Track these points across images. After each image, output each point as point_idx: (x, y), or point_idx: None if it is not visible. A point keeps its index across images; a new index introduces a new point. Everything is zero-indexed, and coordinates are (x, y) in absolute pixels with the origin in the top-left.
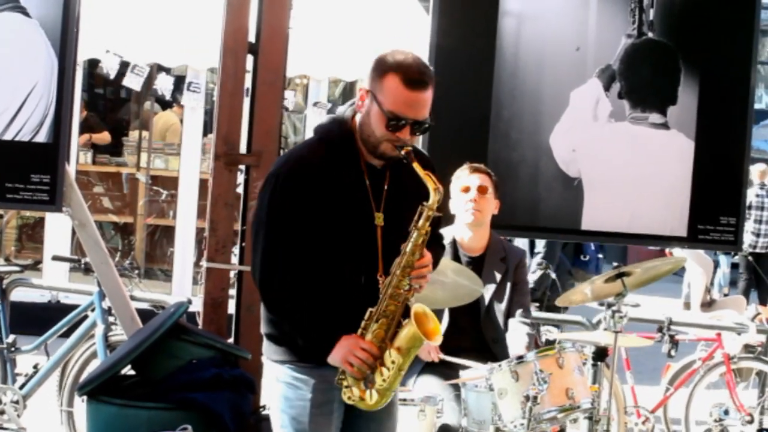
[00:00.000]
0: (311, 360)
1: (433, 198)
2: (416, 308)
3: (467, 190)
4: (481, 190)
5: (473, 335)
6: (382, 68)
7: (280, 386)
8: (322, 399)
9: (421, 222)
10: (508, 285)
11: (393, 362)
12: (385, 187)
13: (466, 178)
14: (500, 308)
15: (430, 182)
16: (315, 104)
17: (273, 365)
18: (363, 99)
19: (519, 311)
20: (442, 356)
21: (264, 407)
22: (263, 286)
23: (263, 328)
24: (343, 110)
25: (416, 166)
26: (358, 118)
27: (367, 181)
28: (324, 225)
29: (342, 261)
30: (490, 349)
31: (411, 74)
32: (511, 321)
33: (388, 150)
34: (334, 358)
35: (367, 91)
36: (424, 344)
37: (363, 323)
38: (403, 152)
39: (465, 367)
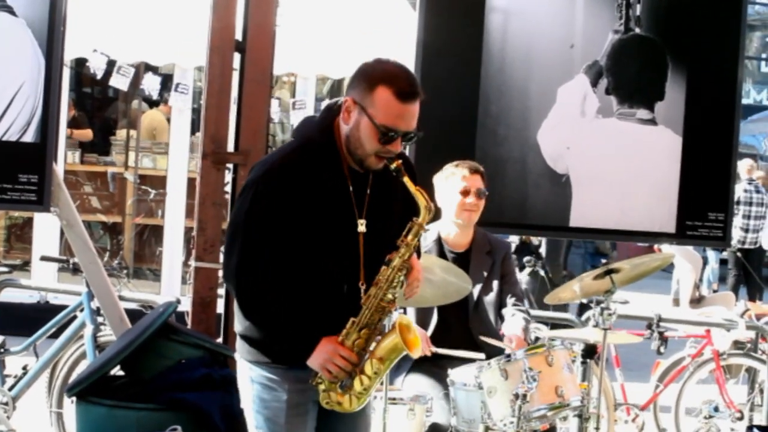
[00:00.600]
0: (287, 361)
1: (424, 215)
2: (401, 319)
3: (467, 193)
4: (480, 193)
5: (462, 331)
6: (371, 80)
7: (254, 387)
8: (298, 400)
9: (410, 237)
10: (496, 278)
11: (375, 373)
12: (368, 192)
13: (467, 179)
14: (489, 302)
15: (422, 199)
16: (294, 105)
17: (247, 365)
18: (349, 111)
19: (512, 300)
20: (434, 349)
21: None
22: (239, 291)
23: (237, 328)
24: (330, 106)
25: (407, 181)
26: (343, 128)
27: (350, 187)
28: (305, 232)
29: (323, 268)
30: (479, 345)
31: (402, 86)
32: (506, 309)
33: (374, 163)
34: (313, 362)
35: (354, 102)
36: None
37: (344, 330)
38: (393, 166)
39: (455, 361)
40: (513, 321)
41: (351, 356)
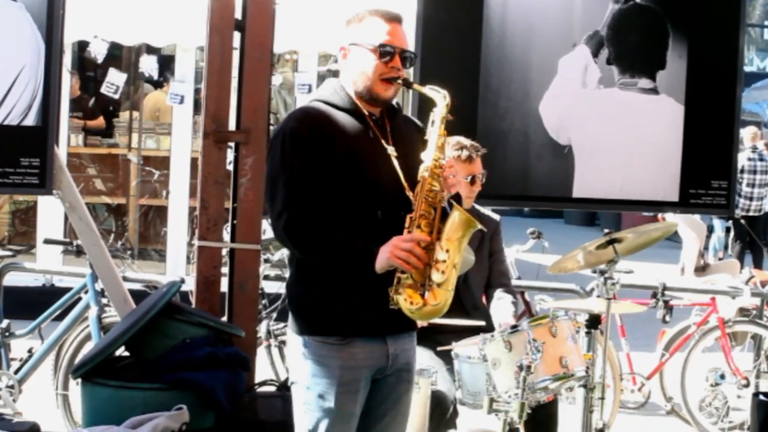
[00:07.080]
0: (341, 331)
1: (443, 104)
2: (455, 207)
3: (471, 179)
4: (477, 180)
5: (454, 304)
6: (358, 18)
7: (307, 363)
8: (349, 377)
9: (437, 127)
10: (485, 254)
11: (448, 252)
12: (389, 129)
13: (469, 166)
14: (477, 277)
15: (436, 94)
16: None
17: (300, 342)
18: (345, 54)
19: (500, 281)
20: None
21: (258, 385)
22: (290, 231)
23: (290, 302)
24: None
25: (416, 86)
26: (344, 76)
27: (371, 123)
28: (340, 163)
29: (365, 194)
30: (471, 316)
31: (387, 12)
32: (495, 291)
33: (384, 90)
34: (382, 259)
35: (347, 45)
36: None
37: (405, 230)
38: (400, 80)
39: (459, 335)
40: (502, 306)
41: (416, 236)
